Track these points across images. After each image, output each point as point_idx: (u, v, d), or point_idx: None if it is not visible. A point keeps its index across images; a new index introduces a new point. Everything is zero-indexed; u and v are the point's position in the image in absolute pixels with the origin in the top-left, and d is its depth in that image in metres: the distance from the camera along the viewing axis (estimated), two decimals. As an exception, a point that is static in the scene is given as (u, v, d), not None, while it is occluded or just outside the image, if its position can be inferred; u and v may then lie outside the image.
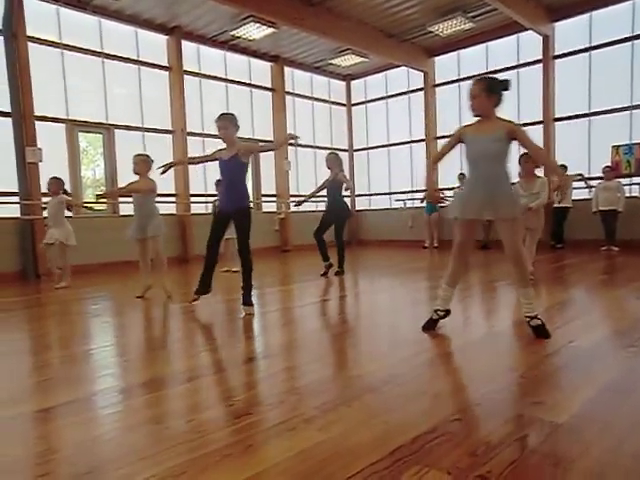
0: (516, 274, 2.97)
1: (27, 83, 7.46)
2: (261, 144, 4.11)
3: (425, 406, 1.98)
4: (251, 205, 4.14)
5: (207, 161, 4.31)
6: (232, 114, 4.04)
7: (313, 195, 6.76)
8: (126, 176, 8.78)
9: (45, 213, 7.65)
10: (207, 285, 4.27)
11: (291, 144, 4.15)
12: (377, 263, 6.08)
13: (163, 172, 4.28)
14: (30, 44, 7.60)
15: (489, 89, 2.90)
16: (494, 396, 2.05)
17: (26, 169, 7.46)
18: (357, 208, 12.86)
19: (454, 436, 1.68)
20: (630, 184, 8.91)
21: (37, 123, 7.65)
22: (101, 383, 2.47)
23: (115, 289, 6.24)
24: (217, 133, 4.03)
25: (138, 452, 1.66)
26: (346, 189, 6.46)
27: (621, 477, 1.41)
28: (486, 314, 3.98)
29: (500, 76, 9.73)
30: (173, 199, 9.48)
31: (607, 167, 8.50)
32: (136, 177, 4.99)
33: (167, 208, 9.25)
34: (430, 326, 3.20)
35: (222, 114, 4.01)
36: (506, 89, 2.94)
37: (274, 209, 11.23)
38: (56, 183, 6.05)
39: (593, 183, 8.74)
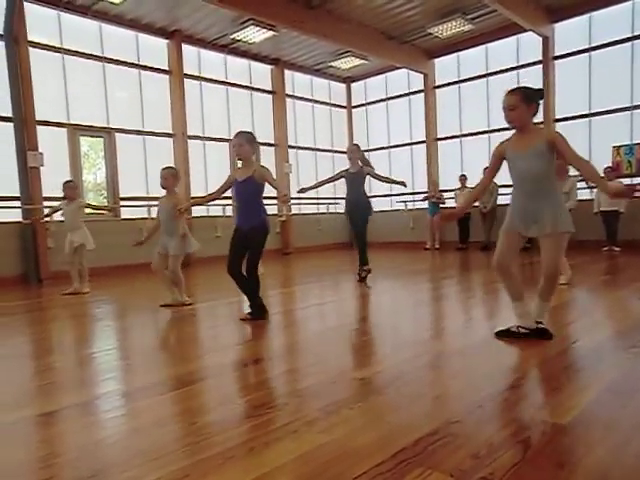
0: (544, 287, 2.90)
1: (28, 88, 7.49)
2: (274, 180, 3.88)
3: (427, 408, 1.98)
4: (268, 222, 3.91)
5: (225, 190, 4.03)
6: (250, 132, 3.91)
7: (322, 184, 6.22)
8: (127, 180, 8.92)
9: (46, 213, 7.68)
10: (259, 308, 3.91)
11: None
12: (379, 264, 6.08)
13: (182, 212, 4.35)
14: (31, 49, 7.64)
15: (528, 99, 2.77)
16: (496, 397, 2.05)
17: (28, 173, 7.48)
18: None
19: (456, 438, 1.68)
20: (631, 184, 8.90)
21: (38, 127, 7.68)
22: (104, 387, 2.47)
23: (117, 292, 6.24)
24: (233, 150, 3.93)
25: (141, 455, 1.66)
26: (390, 181, 6.04)
27: (625, 477, 1.41)
28: (488, 315, 3.97)
29: (500, 77, 9.73)
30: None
31: (608, 168, 8.49)
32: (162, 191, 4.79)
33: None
34: (505, 335, 3.00)
35: (239, 132, 3.89)
36: (542, 98, 2.88)
37: (275, 212, 11.23)
38: (72, 187, 5.96)
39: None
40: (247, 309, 4.02)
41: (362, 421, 1.87)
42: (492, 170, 3.01)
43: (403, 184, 6.11)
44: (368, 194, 6.20)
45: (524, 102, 2.76)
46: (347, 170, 6.06)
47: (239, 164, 3.95)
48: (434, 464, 1.51)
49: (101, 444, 1.79)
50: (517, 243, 2.96)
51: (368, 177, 5.95)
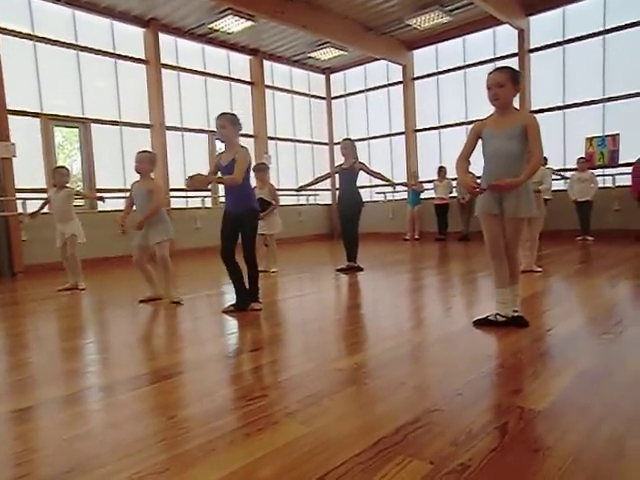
0: (509, 270, 2.98)
1: (-2, 76, 7.26)
2: (240, 164, 3.66)
3: (407, 397, 2.00)
4: (256, 206, 3.91)
5: (215, 173, 3.89)
6: (232, 114, 3.80)
7: (318, 181, 6.28)
8: (104, 171, 8.75)
9: (20, 209, 7.48)
10: (244, 299, 3.92)
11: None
12: (359, 256, 6.10)
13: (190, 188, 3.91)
14: (1, 36, 7.40)
15: (515, 79, 2.82)
16: (474, 385, 2.08)
17: (-1, 165, 7.28)
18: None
19: (436, 426, 1.70)
20: (603, 175, 9.11)
21: (10, 117, 7.46)
22: (80, 381, 2.44)
23: (94, 285, 6.13)
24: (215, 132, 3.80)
25: (120, 450, 1.64)
26: (382, 178, 6.01)
27: (597, 460, 1.45)
28: (466, 305, 4.03)
29: (477, 69, 9.84)
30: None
31: (581, 159, 8.68)
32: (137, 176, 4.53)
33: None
34: (483, 323, 3.05)
35: (222, 113, 3.78)
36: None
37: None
38: (62, 174, 5.43)
39: (567, 174, 8.97)
40: (230, 301, 4.02)
41: (342, 411, 1.88)
42: (469, 143, 2.99)
43: (393, 185, 6.29)
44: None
45: (511, 81, 2.80)
46: (340, 165, 6.08)
47: (220, 148, 3.87)
48: (414, 452, 1.53)
49: (78, 439, 1.76)
50: (498, 224, 2.97)
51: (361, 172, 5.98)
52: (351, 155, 5.95)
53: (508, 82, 2.80)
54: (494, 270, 3.04)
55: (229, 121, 3.72)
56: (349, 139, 6.13)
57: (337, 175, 6.19)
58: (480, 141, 2.97)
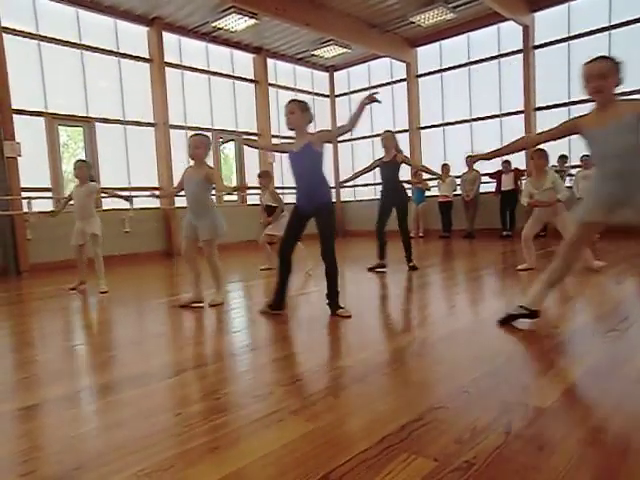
0: None
1: (3, 76, 7.30)
2: (335, 128, 3.53)
3: (412, 394, 2.00)
4: (333, 199, 3.55)
5: (273, 150, 3.69)
6: (302, 101, 3.53)
7: (359, 175, 6.11)
8: (109, 170, 8.77)
9: (25, 208, 7.52)
10: (282, 301, 3.66)
11: (368, 103, 3.60)
12: (363, 253, 6.09)
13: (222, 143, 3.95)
14: (5, 35, 7.43)
15: (618, 69, 2.45)
16: (480, 383, 2.07)
17: (5, 164, 7.32)
18: (342, 199, 12.88)
19: (441, 423, 1.70)
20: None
21: (15, 117, 7.50)
22: (86, 379, 2.45)
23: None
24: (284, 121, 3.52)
25: (125, 447, 1.65)
26: (428, 171, 6.03)
27: (602, 458, 1.45)
28: (472, 302, 4.02)
29: (481, 66, 9.76)
30: (157, 192, 9.32)
31: (586, 156, 8.62)
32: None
33: (152, 202, 9.14)
34: (506, 321, 2.92)
35: (291, 100, 3.51)
36: None
37: (258, 202, 11.16)
38: (84, 168, 5.16)
39: (572, 172, 8.95)
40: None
41: (347, 409, 1.88)
42: (555, 131, 2.70)
43: (440, 177, 6.26)
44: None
45: (615, 72, 2.45)
46: (381, 159, 5.90)
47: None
48: (418, 449, 1.52)
49: (84, 437, 1.77)
50: (595, 232, 2.80)
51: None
52: (392, 147, 5.72)
53: (611, 73, 2.44)
54: (556, 265, 2.74)
55: (298, 107, 3.45)
56: (389, 131, 5.92)
57: (378, 169, 5.99)
58: (584, 141, 2.66)
